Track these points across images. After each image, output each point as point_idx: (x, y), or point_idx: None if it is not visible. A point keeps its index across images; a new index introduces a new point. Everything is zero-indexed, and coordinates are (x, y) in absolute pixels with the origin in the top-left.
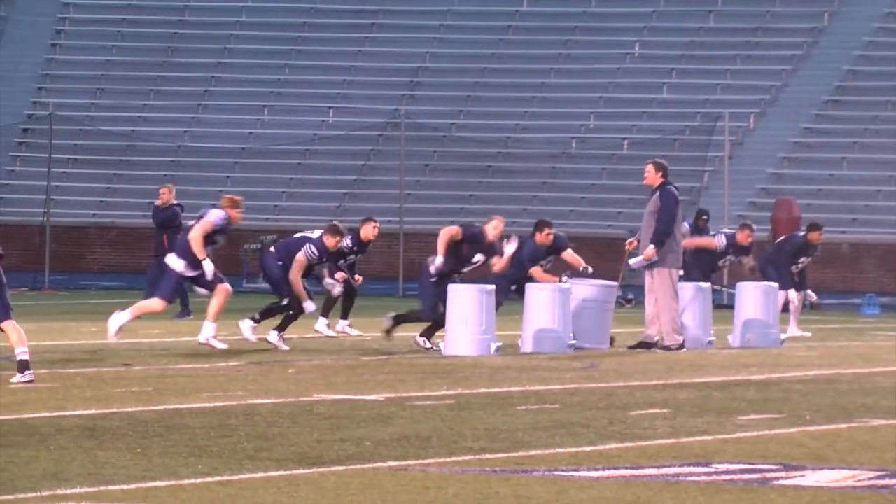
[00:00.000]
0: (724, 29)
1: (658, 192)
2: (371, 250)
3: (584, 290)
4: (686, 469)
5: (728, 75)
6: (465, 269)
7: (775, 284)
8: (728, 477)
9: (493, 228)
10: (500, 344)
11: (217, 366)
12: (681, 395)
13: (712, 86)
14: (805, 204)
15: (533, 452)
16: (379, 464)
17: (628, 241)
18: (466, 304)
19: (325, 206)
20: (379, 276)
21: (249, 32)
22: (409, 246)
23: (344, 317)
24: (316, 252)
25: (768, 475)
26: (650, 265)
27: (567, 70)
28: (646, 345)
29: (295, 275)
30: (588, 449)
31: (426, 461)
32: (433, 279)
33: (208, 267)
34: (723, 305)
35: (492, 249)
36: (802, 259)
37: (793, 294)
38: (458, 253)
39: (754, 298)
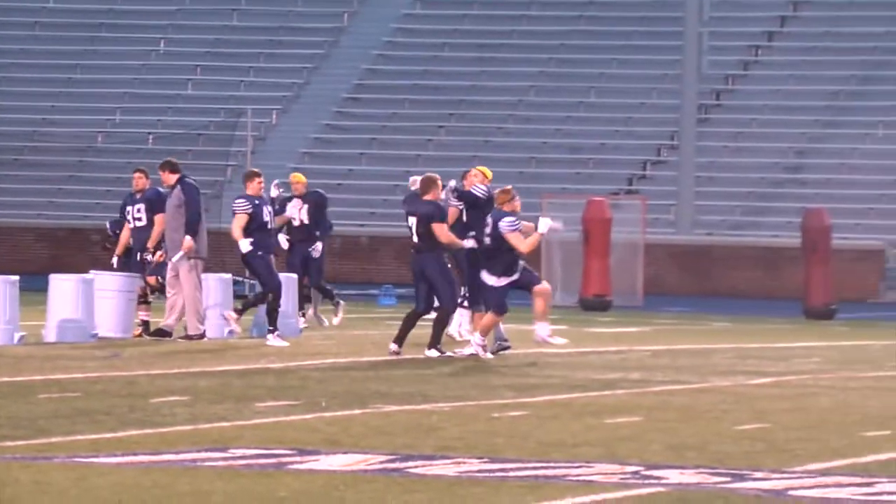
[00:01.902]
0: (248, 27)
1: (179, 187)
2: None
3: (107, 280)
4: (204, 454)
5: (251, 72)
6: None
7: (294, 276)
8: (245, 462)
9: None
10: (24, 334)
11: None
12: (201, 383)
13: (236, 82)
14: None
15: (53, 440)
16: None
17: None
18: None
19: None
20: None
21: None
22: None
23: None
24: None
25: (284, 459)
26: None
27: (93, 65)
28: (163, 333)
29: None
30: (108, 436)
31: None
32: None
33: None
34: (243, 296)
35: None
36: None
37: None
38: None
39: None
